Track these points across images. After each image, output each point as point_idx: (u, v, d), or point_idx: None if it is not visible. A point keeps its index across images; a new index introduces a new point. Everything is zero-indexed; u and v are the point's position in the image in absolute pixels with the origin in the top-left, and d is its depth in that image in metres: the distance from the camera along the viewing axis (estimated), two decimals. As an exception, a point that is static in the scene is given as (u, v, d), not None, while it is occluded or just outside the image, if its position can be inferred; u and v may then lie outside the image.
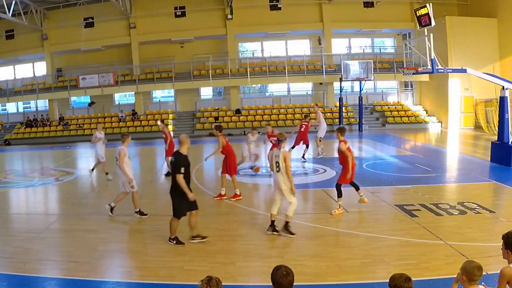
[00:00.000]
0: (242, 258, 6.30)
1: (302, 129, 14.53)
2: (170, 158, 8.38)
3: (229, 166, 10.02)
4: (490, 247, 6.34)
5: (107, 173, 12.93)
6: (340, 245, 6.70)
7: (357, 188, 8.55)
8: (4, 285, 5.51)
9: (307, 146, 14.79)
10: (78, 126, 27.34)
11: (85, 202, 10.32)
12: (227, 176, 10.08)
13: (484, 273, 5.14)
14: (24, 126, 27.70)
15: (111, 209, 8.65)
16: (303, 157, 14.68)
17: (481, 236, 6.82)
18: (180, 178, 6.63)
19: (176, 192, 6.74)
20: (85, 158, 19.77)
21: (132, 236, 7.49)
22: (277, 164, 7.17)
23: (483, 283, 3.52)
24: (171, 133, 12.83)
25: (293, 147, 14.60)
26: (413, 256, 6.10)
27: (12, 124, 28.90)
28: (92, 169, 13.67)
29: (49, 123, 27.80)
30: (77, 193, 11.50)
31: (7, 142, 26.37)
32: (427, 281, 5.20)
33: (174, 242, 6.87)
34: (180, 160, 6.74)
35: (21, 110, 30.16)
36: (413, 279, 3.25)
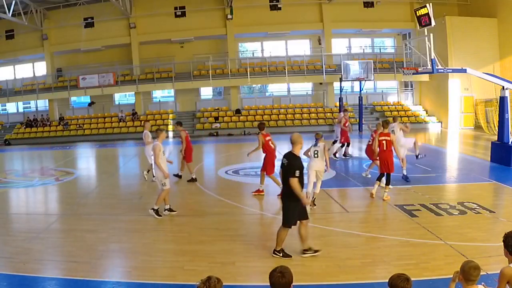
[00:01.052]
0: (242, 258, 6.29)
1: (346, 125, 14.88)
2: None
3: (265, 164, 10.02)
4: (490, 247, 6.34)
5: (148, 171, 12.32)
6: (340, 245, 6.69)
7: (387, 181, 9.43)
8: (4, 285, 5.51)
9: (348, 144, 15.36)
10: (78, 126, 27.35)
11: (85, 202, 10.31)
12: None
13: (484, 273, 5.17)
14: (24, 126, 27.70)
15: (169, 210, 8.54)
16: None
17: (481, 236, 6.81)
18: (295, 182, 5.88)
19: (290, 198, 6.02)
20: (85, 158, 19.78)
21: (132, 236, 7.48)
22: (316, 152, 8.54)
23: (483, 283, 3.52)
24: (188, 136, 12.02)
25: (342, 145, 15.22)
26: (413, 256, 6.10)
27: (12, 124, 28.90)
28: (148, 171, 12.46)
29: (49, 123, 27.80)
30: (77, 193, 11.50)
31: (7, 142, 26.38)
32: (427, 281, 5.20)
33: (281, 254, 6.19)
34: (294, 162, 6.02)
35: (21, 110, 30.16)
36: (413, 279, 3.25)
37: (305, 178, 6.49)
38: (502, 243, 3.75)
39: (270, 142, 9.89)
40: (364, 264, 5.88)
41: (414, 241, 6.71)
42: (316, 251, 6.25)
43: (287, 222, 6.11)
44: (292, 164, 5.98)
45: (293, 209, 6.06)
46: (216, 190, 11.06)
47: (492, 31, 23.10)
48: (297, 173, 5.89)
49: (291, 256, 6.15)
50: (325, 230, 7.42)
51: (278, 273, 3.22)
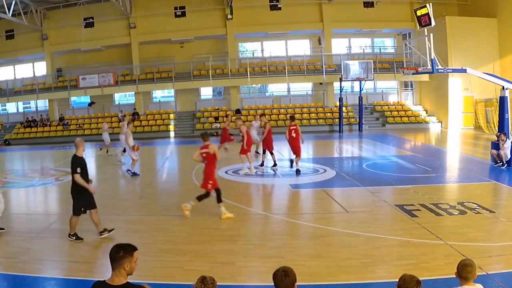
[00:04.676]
0: (242, 258, 6.29)
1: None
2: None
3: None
4: (490, 247, 6.35)
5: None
6: (340, 245, 6.69)
7: None
8: (4, 285, 5.51)
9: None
10: (78, 126, 27.33)
11: (85, 202, 10.29)
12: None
13: (484, 273, 5.18)
14: (24, 126, 27.70)
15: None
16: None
17: (481, 236, 6.82)
18: (78, 177, 6.97)
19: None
20: (85, 158, 19.73)
21: (132, 236, 7.47)
22: None
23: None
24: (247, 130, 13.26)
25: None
26: (413, 256, 6.10)
27: (12, 124, 28.88)
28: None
29: (49, 123, 27.79)
30: (77, 193, 11.47)
31: (7, 142, 26.36)
32: (427, 281, 5.18)
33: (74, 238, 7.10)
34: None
35: (21, 110, 30.15)
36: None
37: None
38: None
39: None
40: (364, 264, 5.88)
41: (414, 241, 6.71)
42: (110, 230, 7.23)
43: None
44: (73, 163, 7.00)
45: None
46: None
47: (492, 31, 23.10)
48: (79, 169, 6.95)
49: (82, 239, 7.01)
50: (325, 230, 7.42)
51: (282, 272, 3.23)
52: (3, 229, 7.74)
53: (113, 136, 20.18)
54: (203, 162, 8.41)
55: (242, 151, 13.01)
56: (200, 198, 8.27)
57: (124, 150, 15.16)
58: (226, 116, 14.58)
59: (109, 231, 7.31)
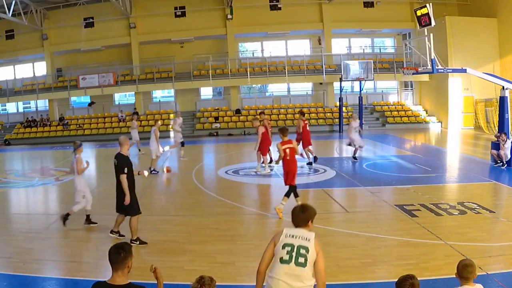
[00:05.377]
0: (242, 258, 6.30)
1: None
2: None
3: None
4: (490, 247, 6.35)
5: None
6: (340, 245, 6.69)
7: None
8: (4, 285, 5.51)
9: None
10: (78, 126, 27.34)
11: (85, 202, 10.29)
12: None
13: (484, 273, 5.18)
14: (24, 126, 27.69)
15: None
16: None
17: (481, 236, 6.82)
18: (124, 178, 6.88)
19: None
20: (85, 158, 19.72)
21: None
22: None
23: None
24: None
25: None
26: (413, 256, 6.10)
27: (12, 124, 28.88)
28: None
29: (49, 123, 27.79)
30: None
31: (7, 142, 26.36)
32: (427, 281, 5.19)
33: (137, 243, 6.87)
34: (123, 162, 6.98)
35: (21, 110, 30.14)
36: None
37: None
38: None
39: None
40: (364, 264, 5.88)
41: (414, 241, 6.71)
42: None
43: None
44: (121, 163, 6.84)
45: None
46: (216, 190, 11.06)
47: (492, 31, 23.10)
48: (126, 169, 6.79)
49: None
50: (325, 230, 7.42)
51: (300, 207, 3.52)
52: (95, 223, 7.93)
53: (111, 136, 20.07)
54: (285, 157, 8.23)
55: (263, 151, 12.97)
56: (288, 194, 8.18)
57: (183, 144, 15.74)
58: (261, 114, 14.20)
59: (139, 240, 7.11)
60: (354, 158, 14.38)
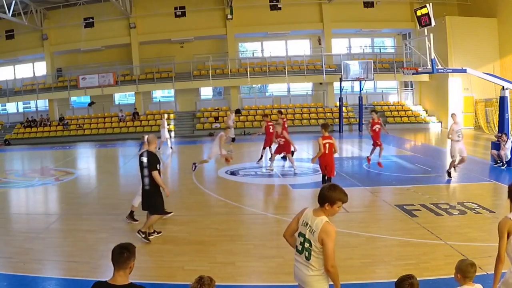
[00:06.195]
0: (242, 258, 6.29)
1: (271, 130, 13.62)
2: None
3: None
4: (490, 247, 6.33)
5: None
6: (340, 245, 6.67)
7: None
8: (4, 285, 5.51)
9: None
10: (78, 126, 27.34)
11: (85, 202, 10.31)
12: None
13: (484, 273, 5.17)
14: (24, 126, 27.69)
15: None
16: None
17: (481, 236, 6.81)
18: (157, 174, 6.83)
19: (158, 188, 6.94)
20: (85, 158, 19.78)
21: (132, 236, 7.46)
22: None
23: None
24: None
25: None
26: (413, 256, 6.10)
27: (12, 124, 28.88)
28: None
29: (49, 123, 27.79)
30: (77, 193, 11.49)
31: (7, 142, 26.37)
32: (427, 281, 5.19)
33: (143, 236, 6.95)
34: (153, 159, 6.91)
35: (21, 110, 30.14)
36: (413, 279, 3.24)
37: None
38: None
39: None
40: (364, 264, 5.88)
41: (414, 241, 6.71)
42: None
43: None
44: (152, 160, 6.82)
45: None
46: (216, 190, 11.06)
47: (492, 31, 23.10)
48: (158, 166, 6.81)
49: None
50: (325, 230, 7.41)
51: (329, 185, 3.59)
52: (137, 220, 7.94)
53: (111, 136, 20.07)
54: (324, 151, 9.07)
55: (287, 151, 12.78)
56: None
57: (233, 140, 16.30)
58: (280, 113, 14.93)
59: (158, 232, 7.33)
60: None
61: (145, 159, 6.90)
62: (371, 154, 13.56)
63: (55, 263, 6.38)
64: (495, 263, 3.56)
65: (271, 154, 13.35)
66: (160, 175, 6.94)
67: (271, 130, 13.59)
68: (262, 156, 14.33)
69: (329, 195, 3.47)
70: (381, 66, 26.66)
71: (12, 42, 28.04)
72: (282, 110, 26.46)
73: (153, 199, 6.97)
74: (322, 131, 9.31)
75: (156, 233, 7.28)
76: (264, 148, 14.19)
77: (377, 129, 13.39)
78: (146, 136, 7.29)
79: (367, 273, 5.62)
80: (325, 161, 9.18)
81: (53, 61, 28.75)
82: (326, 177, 9.39)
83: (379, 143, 13.21)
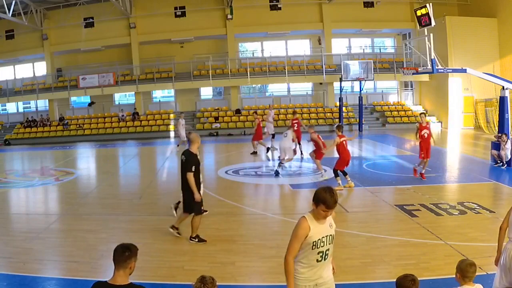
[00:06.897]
0: (242, 258, 6.29)
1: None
2: None
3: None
4: (490, 247, 6.33)
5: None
6: (340, 245, 6.67)
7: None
8: (4, 285, 5.51)
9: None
10: (78, 126, 27.33)
11: (85, 202, 10.30)
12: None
13: (484, 273, 5.17)
14: (24, 126, 27.69)
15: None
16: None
17: (481, 236, 6.81)
18: (191, 176, 6.64)
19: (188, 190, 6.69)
20: (85, 158, 19.77)
21: (132, 236, 7.47)
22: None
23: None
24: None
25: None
26: (413, 256, 6.10)
27: (12, 124, 28.87)
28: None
29: (49, 123, 27.78)
30: (77, 193, 11.49)
31: (7, 142, 26.36)
32: (427, 281, 5.19)
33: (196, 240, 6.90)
34: (191, 159, 6.76)
35: (21, 110, 30.12)
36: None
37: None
38: None
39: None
40: (364, 264, 5.88)
41: (414, 241, 6.72)
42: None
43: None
44: (189, 161, 6.64)
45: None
46: (216, 190, 11.05)
47: (492, 31, 23.09)
48: (193, 168, 6.61)
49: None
50: (325, 230, 7.41)
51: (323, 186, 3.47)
52: (206, 211, 7.86)
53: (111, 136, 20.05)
54: (342, 148, 10.29)
55: (318, 156, 12.11)
56: (337, 174, 10.36)
57: (273, 136, 17.56)
58: (294, 113, 16.54)
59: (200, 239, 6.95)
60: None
61: (184, 158, 6.75)
62: (423, 168, 11.16)
63: (55, 263, 6.38)
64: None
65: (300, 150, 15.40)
66: (199, 176, 6.77)
67: (295, 128, 14.83)
68: (300, 151, 15.64)
69: (316, 194, 3.39)
70: (381, 66, 26.65)
71: (12, 42, 28.02)
72: (282, 110, 26.50)
73: (189, 199, 6.79)
74: (337, 131, 10.52)
75: (176, 231, 7.17)
76: (299, 143, 15.61)
77: (426, 135, 11.05)
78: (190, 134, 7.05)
79: (367, 273, 5.62)
80: (347, 156, 10.38)
81: (53, 61, 28.74)
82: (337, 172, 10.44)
83: (428, 154, 11.02)
